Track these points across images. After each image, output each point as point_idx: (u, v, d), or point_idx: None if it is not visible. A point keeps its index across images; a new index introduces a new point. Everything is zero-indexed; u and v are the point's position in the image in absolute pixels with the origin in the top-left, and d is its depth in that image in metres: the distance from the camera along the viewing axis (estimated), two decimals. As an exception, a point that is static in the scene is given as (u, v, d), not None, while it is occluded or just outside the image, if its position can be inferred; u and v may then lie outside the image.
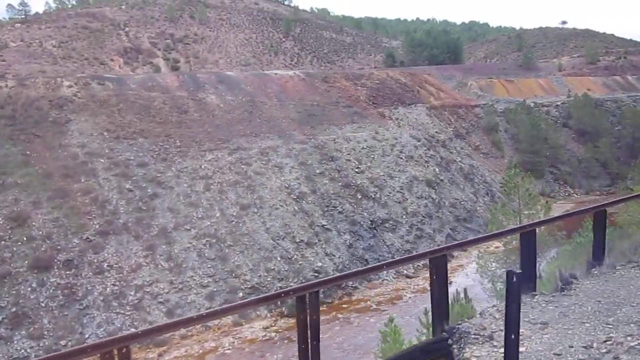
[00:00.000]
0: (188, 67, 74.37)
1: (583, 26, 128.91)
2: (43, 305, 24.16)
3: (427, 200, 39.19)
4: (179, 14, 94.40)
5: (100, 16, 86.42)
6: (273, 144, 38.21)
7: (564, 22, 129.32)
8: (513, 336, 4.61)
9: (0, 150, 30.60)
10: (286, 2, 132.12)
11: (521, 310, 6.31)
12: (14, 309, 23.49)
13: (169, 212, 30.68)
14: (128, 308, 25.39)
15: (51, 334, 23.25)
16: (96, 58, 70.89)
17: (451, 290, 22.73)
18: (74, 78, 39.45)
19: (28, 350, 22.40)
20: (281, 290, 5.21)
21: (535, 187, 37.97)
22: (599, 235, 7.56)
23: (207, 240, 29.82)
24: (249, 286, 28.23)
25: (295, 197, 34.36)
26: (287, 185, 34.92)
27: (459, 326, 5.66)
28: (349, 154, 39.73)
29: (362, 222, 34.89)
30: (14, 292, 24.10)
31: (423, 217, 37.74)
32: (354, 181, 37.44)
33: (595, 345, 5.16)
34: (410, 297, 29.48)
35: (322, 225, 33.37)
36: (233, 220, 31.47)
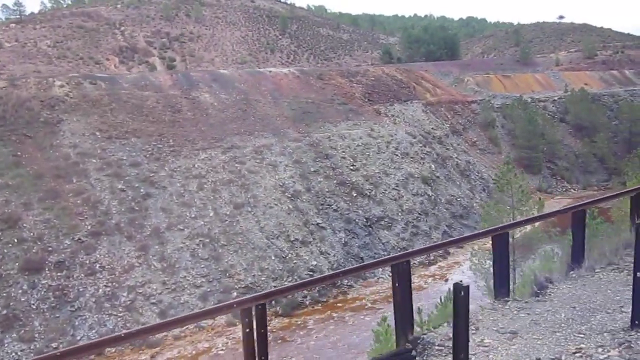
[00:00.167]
0: (184, 66, 74.09)
1: (581, 21, 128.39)
2: (34, 307, 23.98)
3: (423, 197, 38.97)
4: (174, 12, 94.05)
5: (95, 15, 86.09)
6: (267, 142, 37.96)
7: (561, 17, 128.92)
8: (462, 355, 4.40)
9: (-9, 152, 30.43)
10: (282, 0, 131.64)
11: (492, 318, 6.11)
12: (4, 312, 23.30)
13: (161, 212, 30.48)
14: (120, 309, 25.22)
15: (42, 337, 23.08)
16: (91, 57, 70.66)
17: (445, 288, 22.40)
18: (66, 78, 39.16)
19: (19, 353, 22.24)
20: (223, 304, 4.93)
21: (530, 183, 37.76)
22: (578, 236, 7.32)
23: (200, 240, 29.63)
24: (242, 286, 28.05)
25: (289, 195, 34.15)
26: (281, 184, 34.70)
27: (424, 336, 5.42)
28: (343, 152, 39.49)
29: (357, 220, 34.69)
30: (4, 294, 23.90)
31: (419, 214, 37.53)
32: (349, 179, 37.22)
33: (563, 357, 4.91)
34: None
35: (317, 224, 33.17)
36: (227, 220, 31.27)
